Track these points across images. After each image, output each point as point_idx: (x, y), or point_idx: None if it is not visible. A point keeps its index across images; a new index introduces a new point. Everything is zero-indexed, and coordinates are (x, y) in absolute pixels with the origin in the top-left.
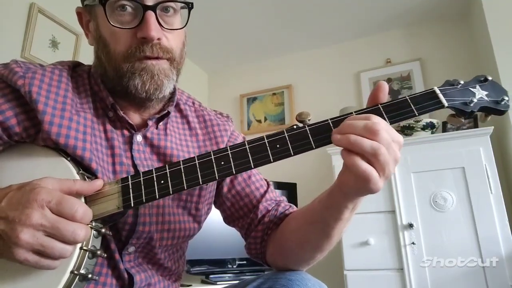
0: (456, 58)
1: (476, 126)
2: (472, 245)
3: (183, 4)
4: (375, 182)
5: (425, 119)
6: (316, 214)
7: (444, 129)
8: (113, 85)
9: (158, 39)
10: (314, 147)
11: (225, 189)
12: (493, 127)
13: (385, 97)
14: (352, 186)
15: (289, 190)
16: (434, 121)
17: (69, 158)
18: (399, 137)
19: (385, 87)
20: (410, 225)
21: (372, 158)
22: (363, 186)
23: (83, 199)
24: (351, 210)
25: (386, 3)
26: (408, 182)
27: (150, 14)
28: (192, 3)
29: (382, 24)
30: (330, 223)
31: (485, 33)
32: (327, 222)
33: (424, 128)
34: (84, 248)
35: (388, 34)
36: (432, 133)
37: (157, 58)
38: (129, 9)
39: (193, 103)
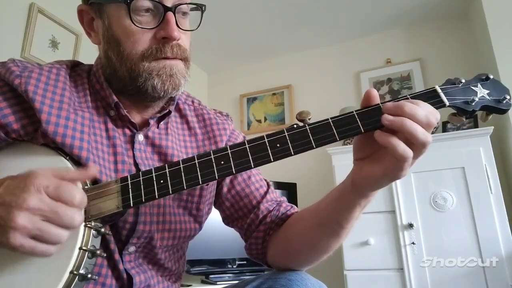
0: (456, 58)
1: (476, 126)
2: (472, 245)
3: (193, 6)
4: (408, 165)
5: None
6: (327, 216)
7: (444, 129)
8: (124, 85)
9: (178, 39)
10: (314, 146)
11: (225, 189)
12: (493, 127)
13: (377, 101)
14: (378, 175)
15: (289, 190)
16: None
17: (67, 157)
18: None
19: (376, 94)
20: (410, 225)
21: (420, 147)
22: (398, 168)
23: (80, 187)
24: (362, 207)
25: (386, 3)
26: (408, 182)
27: (171, 15)
28: (205, 5)
29: (382, 24)
30: (342, 223)
31: (485, 33)
32: (339, 223)
33: None
34: (84, 248)
35: (388, 34)
36: (432, 133)
37: (174, 58)
38: (149, 9)
39: (192, 101)
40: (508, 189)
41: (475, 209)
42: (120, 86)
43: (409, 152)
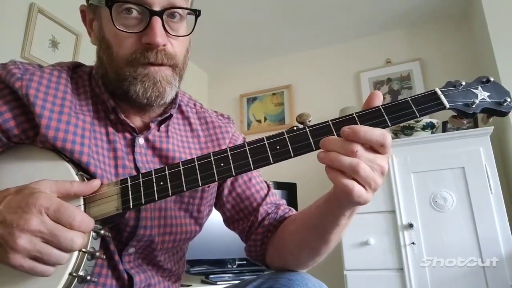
0: (456, 58)
1: (476, 126)
2: (472, 245)
3: (188, 11)
4: (358, 195)
5: (425, 119)
6: (314, 219)
7: (444, 129)
8: (113, 88)
9: (164, 45)
10: (314, 148)
11: (225, 191)
12: (493, 127)
13: (380, 102)
14: (343, 197)
15: (289, 190)
16: (434, 121)
17: (68, 160)
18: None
19: (380, 95)
20: (410, 225)
21: (352, 174)
22: (348, 199)
23: (82, 201)
24: (348, 217)
25: (386, 3)
26: (408, 182)
27: (156, 20)
28: (199, 11)
29: (382, 24)
30: (328, 228)
31: (485, 33)
32: (325, 228)
33: (424, 128)
34: (83, 250)
35: (388, 34)
36: (432, 133)
37: (160, 64)
38: (135, 13)
39: (194, 104)
40: (508, 189)
41: (475, 209)
42: (111, 89)
43: (351, 185)
